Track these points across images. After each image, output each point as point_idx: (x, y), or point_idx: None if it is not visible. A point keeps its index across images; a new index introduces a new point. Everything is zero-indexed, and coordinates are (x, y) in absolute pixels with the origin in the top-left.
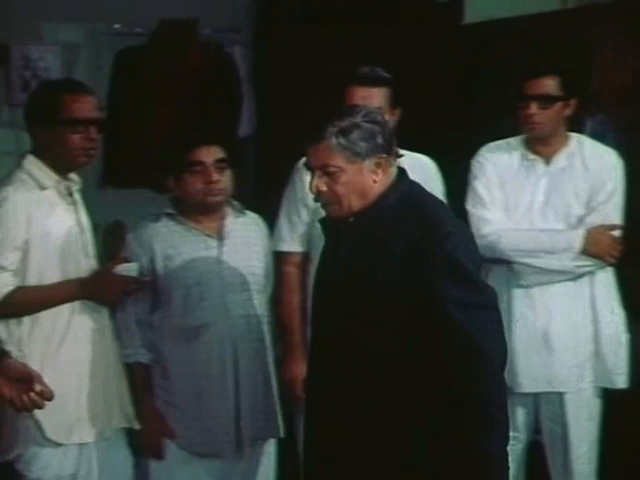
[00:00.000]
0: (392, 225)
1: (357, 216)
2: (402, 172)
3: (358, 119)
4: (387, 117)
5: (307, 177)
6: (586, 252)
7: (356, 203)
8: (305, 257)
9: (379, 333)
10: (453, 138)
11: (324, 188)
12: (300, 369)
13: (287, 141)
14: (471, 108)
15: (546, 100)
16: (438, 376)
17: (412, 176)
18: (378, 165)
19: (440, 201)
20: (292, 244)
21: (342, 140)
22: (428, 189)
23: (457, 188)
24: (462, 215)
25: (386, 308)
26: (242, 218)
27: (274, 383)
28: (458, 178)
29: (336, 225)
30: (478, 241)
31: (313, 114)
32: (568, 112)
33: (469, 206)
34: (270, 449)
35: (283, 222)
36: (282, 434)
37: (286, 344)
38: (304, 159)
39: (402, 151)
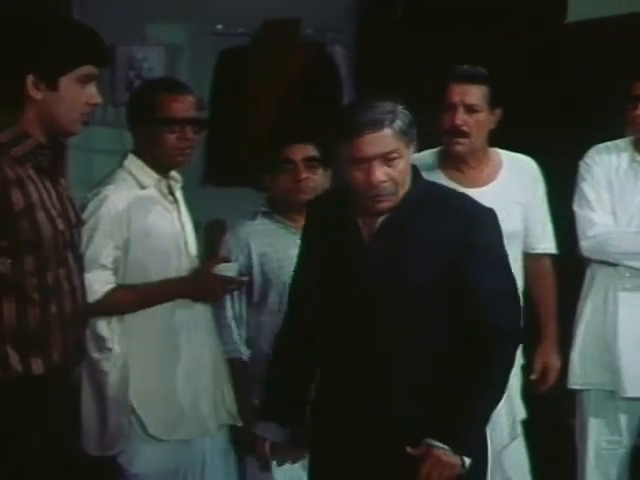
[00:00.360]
0: (425, 218)
1: (391, 212)
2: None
3: (400, 107)
4: (486, 116)
5: None
6: None
7: (402, 192)
8: None
9: (427, 325)
10: (558, 139)
11: (385, 178)
12: None
13: None
14: (576, 109)
15: None
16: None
17: (513, 176)
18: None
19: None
20: None
21: (400, 125)
22: (530, 190)
23: (563, 189)
24: (567, 215)
25: (432, 299)
26: None
27: None
28: (564, 179)
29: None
30: (584, 243)
31: (412, 113)
32: None
33: (576, 207)
34: None
35: None
36: None
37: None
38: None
39: (503, 151)
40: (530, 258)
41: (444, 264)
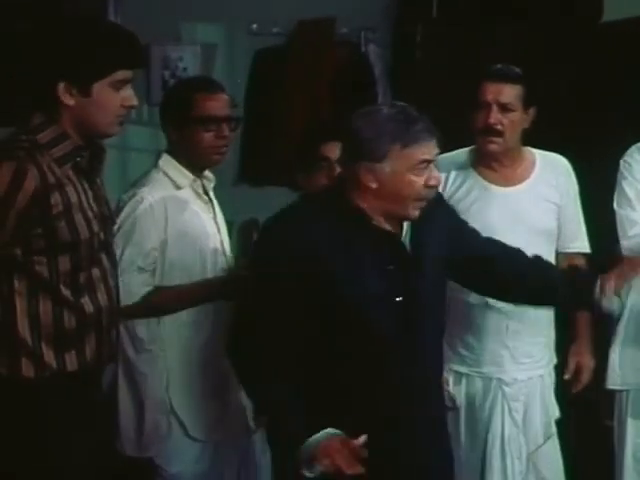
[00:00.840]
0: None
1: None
2: None
3: None
4: (519, 115)
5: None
6: None
7: None
8: None
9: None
10: (599, 138)
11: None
12: None
13: None
14: (617, 107)
15: None
16: None
17: (547, 175)
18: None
19: None
20: None
21: None
22: (563, 189)
23: (602, 188)
24: (607, 214)
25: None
26: None
27: None
28: (604, 179)
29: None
30: (625, 242)
31: (448, 113)
32: None
33: (616, 206)
34: None
35: None
36: None
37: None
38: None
39: (537, 150)
40: (563, 258)
41: (451, 251)
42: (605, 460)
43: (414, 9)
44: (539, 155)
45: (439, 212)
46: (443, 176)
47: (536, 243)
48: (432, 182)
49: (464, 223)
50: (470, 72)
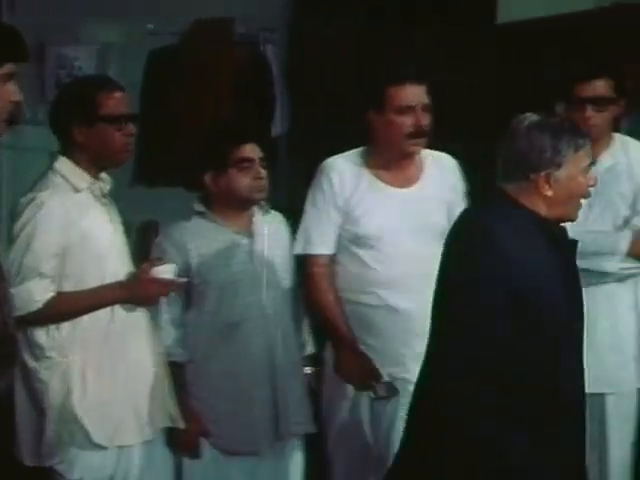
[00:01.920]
0: None
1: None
2: None
3: None
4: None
5: (335, 177)
6: (632, 254)
7: None
8: (332, 259)
9: None
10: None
11: None
12: (354, 362)
13: (320, 140)
14: (514, 108)
15: (602, 102)
16: None
17: (438, 174)
18: None
19: None
20: (322, 247)
21: None
22: (454, 187)
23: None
24: None
25: None
26: (267, 216)
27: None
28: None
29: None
30: None
31: (344, 113)
32: (616, 113)
33: None
34: (299, 444)
35: (311, 224)
36: (314, 429)
37: (336, 342)
38: (335, 159)
39: (425, 150)
40: None
41: None
42: None
43: (309, 10)
44: (427, 154)
45: None
46: (337, 178)
47: (432, 243)
48: (592, 182)
49: None
50: (366, 73)
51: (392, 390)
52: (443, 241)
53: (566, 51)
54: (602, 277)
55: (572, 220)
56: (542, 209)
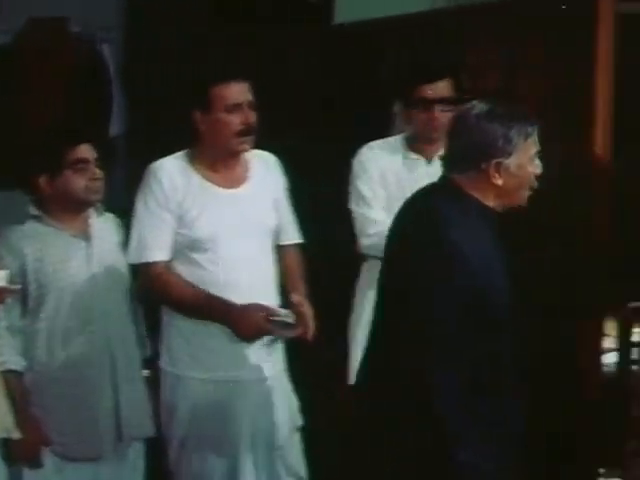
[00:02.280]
0: None
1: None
2: None
3: None
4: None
5: (165, 180)
6: None
7: None
8: (168, 266)
9: None
10: (331, 138)
11: None
12: (245, 315)
13: (159, 140)
14: (346, 108)
15: (447, 102)
16: None
17: (264, 173)
18: None
19: None
20: (159, 252)
21: None
22: (279, 184)
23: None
24: (344, 213)
25: None
26: (102, 218)
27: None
28: (338, 178)
29: None
30: (364, 240)
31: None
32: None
33: (353, 205)
34: (140, 447)
35: (145, 230)
36: (155, 432)
37: (217, 312)
38: (162, 162)
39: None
40: (281, 249)
41: None
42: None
43: (146, 9)
44: (251, 153)
45: None
46: (167, 181)
47: (265, 242)
48: (539, 171)
49: None
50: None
51: (287, 325)
52: (272, 236)
53: (404, 52)
54: None
55: None
56: (490, 199)
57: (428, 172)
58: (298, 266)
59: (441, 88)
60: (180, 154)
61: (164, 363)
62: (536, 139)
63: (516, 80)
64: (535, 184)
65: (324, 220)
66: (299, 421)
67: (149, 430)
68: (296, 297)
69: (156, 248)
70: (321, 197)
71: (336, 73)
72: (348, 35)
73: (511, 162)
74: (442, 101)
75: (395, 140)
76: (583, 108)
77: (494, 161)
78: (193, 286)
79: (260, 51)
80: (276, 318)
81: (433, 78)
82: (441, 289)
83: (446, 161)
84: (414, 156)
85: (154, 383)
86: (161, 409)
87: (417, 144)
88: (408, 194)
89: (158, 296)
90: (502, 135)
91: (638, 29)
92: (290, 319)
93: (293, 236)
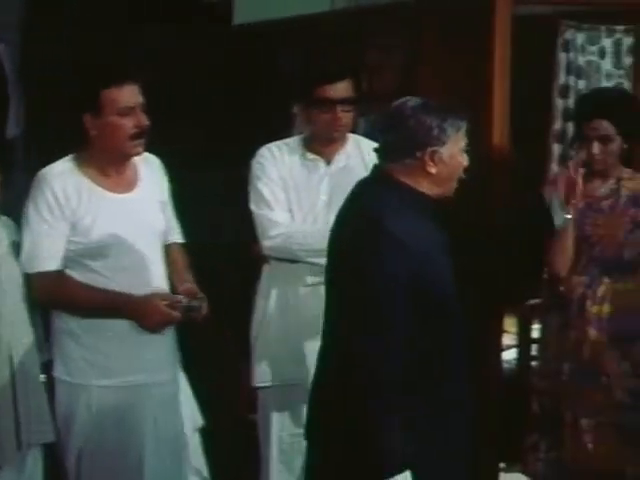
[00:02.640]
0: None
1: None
2: None
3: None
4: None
5: (57, 187)
6: None
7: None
8: (60, 275)
9: None
10: (231, 139)
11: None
12: (148, 311)
13: (57, 142)
14: (246, 109)
15: (347, 102)
16: None
17: (151, 176)
18: None
19: None
20: (51, 262)
21: None
22: (165, 186)
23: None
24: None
25: None
26: None
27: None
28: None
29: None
30: (266, 242)
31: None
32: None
33: (253, 207)
34: (37, 453)
35: (38, 239)
36: (54, 438)
37: (123, 311)
38: (52, 168)
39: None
40: (167, 248)
41: None
42: (251, 452)
43: (43, 9)
44: (138, 157)
45: None
46: (59, 188)
47: (156, 244)
48: (466, 163)
49: None
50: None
51: (192, 309)
52: (162, 238)
53: (305, 53)
54: None
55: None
56: (424, 187)
57: (327, 173)
58: (184, 260)
59: (341, 88)
60: (68, 159)
61: (58, 372)
62: (464, 133)
63: (414, 80)
64: (462, 175)
65: (222, 221)
66: (200, 422)
67: (49, 436)
68: (187, 285)
69: (48, 257)
70: (220, 198)
71: (237, 73)
72: (248, 35)
73: (444, 151)
74: (343, 101)
75: (294, 141)
76: (481, 107)
77: (429, 149)
78: (90, 287)
79: (156, 52)
80: (181, 304)
81: (333, 79)
82: (381, 275)
83: (381, 152)
84: (313, 157)
85: (52, 388)
86: (57, 420)
87: (316, 145)
88: (307, 195)
89: (56, 302)
90: (437, 125)
91: (533, 30)
92: (195, 302)
93: (177, 236)
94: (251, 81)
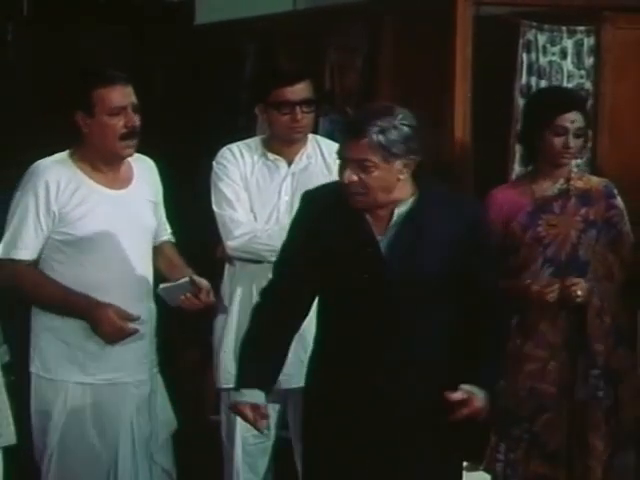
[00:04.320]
0: (435, 216)
1: (400, 207)
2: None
3: (397, 121)
4: None
5: (51, 180)
6: None
7: (380, 197)
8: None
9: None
10: (192, 140)
11: (355, 178)
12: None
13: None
14: (207, 110)
15: (309, 104)
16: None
17: (145, 176)
18: (406, 166)
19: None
20: (25, 252)
21: (382, 139)
22: (157, 187)
23: (201, 190)
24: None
25: (436, 282)
26: None
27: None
28: (200, 180)
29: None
30: (230, 243)
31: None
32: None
33: (216, 208)
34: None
35: (20, 228)
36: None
37: (83, 312)
38: (47, 160)
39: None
40: (159, 247)
41: (451, 260)
42: (215, 453)
43: (4, 6)
44: (133, 157)
45: None
46: (53, 182)
47: (147, 242)
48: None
49: None
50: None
51: (182, 287)
52: (152, 237)
53: (265, 54)
54: None
55: None
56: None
57: (289, 173)
58: (179, 256)
59: (300, 90)
60: (64, 154)
61: (36, 368)
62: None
63: (376, 80)
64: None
65: (182, 222)
66: (175, 425)
67: (11, 438)
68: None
69: (24, 248)
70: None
71: (197, 74)
72: (208, 35)
73: None
74: (301, 103)
75: (254, 142)
76: (443, 107)
77: None
78: (56, 284)
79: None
80: (168, 284)
81: (292, 81)
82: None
83: None
84: (274, 157)
85: (16, 389)
86: (33, 417)
87: (277, 145)
88: (269, 195)
89: (18, 291)
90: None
91: (494, 30)
92: (184, 279)
93: (169, 235)
94: (213, 81)
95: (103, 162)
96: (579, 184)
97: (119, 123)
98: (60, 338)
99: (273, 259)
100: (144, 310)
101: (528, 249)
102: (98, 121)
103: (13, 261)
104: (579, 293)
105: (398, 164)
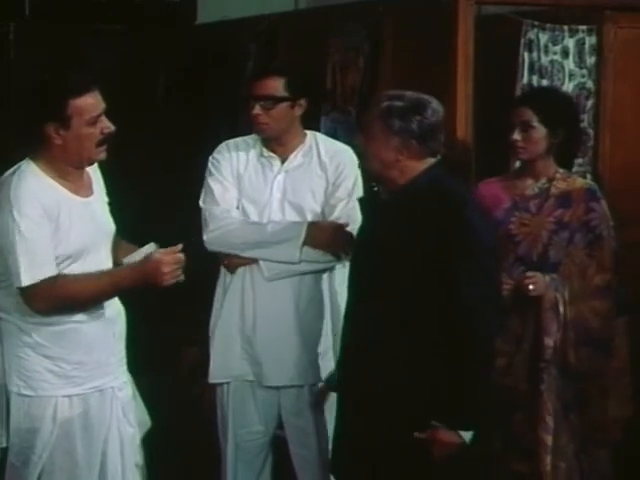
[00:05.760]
0: (422, 207)
1: (391, 195)
2: (438, 164)
3: (404, 101)
4: None
5: (43, 197)
6: (311, 243)
7: (377, 168)
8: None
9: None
10: (192, 139)
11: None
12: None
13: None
14: (207, 110)
15: (269, 100)
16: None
17: (95, 178)
18: (405, 147)
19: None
20: (54, 266)
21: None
22: (102, 186)
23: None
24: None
25: (418, 275)
26: None
27: None
28: (200, 180)
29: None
30: (206, 236)
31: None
32: (298, 112)
33: (201, 202)
34: None
35: (39, 249)
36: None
37: (135, 277)
38: (23, 177)
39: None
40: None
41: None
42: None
43: (6, 6)
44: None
45: None
46: (43, 198)
47: (110, 243)
48: None
49: None
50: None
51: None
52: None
53: (266, 52)
54: (288, 269)
55: None
56: None
57: (281, 170)
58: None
59: (261, 86)
60: (32, 166)
61: (16, 387)
62: None
63: (378, 79)
64: None
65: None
66: (149, 423)
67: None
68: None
69: (47, 263)
70: (179, 198)
71: (197, 74)
72: (209, 35)
73: None
74: (258, 98)
75: (254, 138)
76: (445, 106)
77: None
78: (85, 277)
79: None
80: (133, 254)
81: (258, 76)
82: None
83: None
84: (269, 154)
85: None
86: (16, 436)
87: (272, 143)
88: (262, 191)
89: (59, 306)
90: None
91: (496, 30)
92: (147, 246)
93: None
94: (212, 82)
95: (72, 170)
96: (561, 185)
97: (96, 131)
98: (41, 353)
99: (247, 252)
100: (116, 311)
101: (500, 245)
102: (75, 132)
103: (44, 281)
104: (530, 287)
105: (397, 141)
